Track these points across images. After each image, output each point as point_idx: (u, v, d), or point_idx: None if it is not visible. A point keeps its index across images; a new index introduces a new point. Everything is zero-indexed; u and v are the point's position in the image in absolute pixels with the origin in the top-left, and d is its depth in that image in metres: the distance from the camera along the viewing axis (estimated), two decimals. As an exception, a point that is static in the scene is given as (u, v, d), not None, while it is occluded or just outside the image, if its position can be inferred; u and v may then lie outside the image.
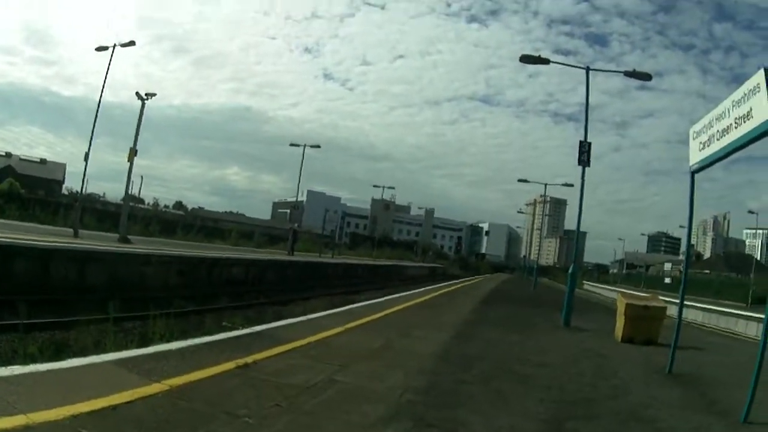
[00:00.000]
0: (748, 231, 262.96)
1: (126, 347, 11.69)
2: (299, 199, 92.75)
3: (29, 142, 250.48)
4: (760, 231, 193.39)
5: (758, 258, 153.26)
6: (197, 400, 7.19)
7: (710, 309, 42.59)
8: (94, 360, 8.60)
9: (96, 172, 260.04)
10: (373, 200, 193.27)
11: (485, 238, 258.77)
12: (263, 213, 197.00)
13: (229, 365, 9.08)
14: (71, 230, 36.16)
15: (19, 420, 5.62)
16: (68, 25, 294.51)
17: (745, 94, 9.86)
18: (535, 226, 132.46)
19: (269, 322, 16.25)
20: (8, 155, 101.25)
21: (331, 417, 7.36)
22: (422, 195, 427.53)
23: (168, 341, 11.99)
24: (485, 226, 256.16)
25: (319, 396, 8.12)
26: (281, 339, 12.03)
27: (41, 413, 5.86)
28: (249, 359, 9.56)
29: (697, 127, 12.83)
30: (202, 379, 8.15)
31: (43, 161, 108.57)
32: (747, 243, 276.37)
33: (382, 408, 7.97)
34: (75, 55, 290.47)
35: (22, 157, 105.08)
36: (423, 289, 40.55)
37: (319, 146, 73.79)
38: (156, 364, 8.61)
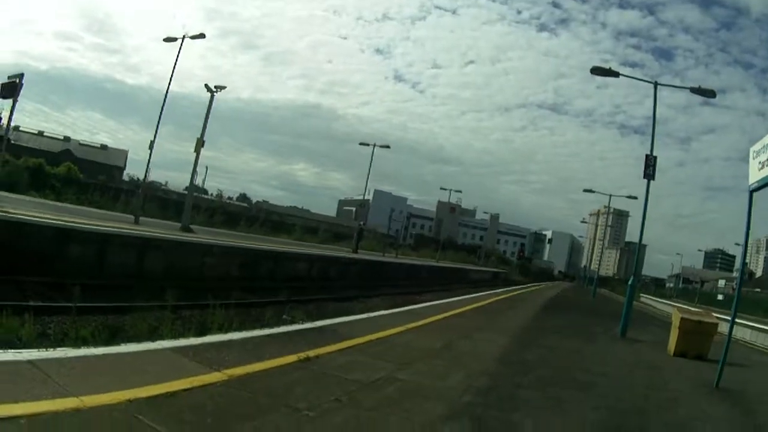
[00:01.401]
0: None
1: (183, 335, 11.67)
2: (366, 198, 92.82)
3: (89, 128, 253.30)
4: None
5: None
6: (258, 391, 7.12)
7: (759, 328, 42.01)
8: (152, 346, 8.59)
9: (159, 160, 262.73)
10: (439, 202, 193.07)
11: (548, 246, 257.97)
12: (329, 210, 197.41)
13: (291, 358, 9.03)
14: (132, 217, 36.36)
15: (70, 402, 5.54)
16: (132, 13, 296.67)
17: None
18: (597, 237, 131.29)
19: (330, 318, 16.21)
20: (67, 139, 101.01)
21: (391, 414, 7.26)
22: (488, 200, 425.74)
23: (227, 332, 11.96)
24: (548, 234, 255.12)
25: (379, 392, 8.04)
26: (343, 335, 12.01)
27: (94, 396, 5.78)
28: (311, 353, 9.52)
29: (757, 146, 12.75)
30: (263, 370, 8.10)
31: (103, 147, 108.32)
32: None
33: (441, 407, 7.87)
34: (139, 45, 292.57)
35: (82, 141, 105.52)
36: (485, 293, 40.46)
37: (388, 146, 73.49)
38: (216, 353, 8.57)
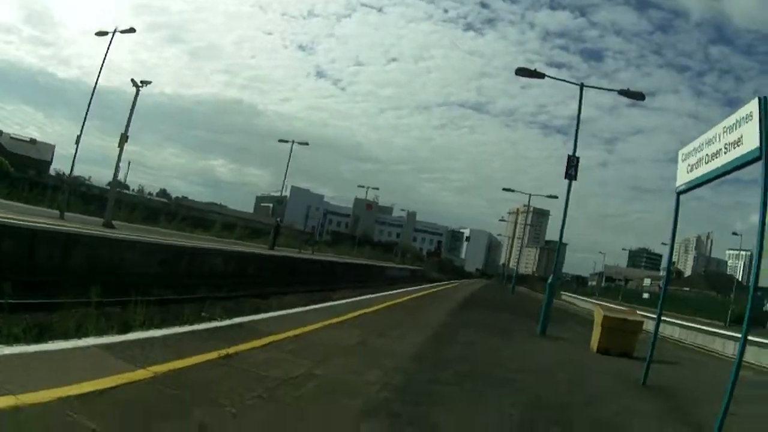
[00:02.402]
0: (731, 252, 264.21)
1: (108, 332, 11.84)
2: (283, 195, 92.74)
3: (21, 122, 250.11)
4: (743, 252, 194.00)
5: (740, 278, 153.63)
6: (182, 387, 7.33)
7: (688, 326, 42.75)
8: (80, 344, 8.68)
9: (83, 155, 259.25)
10: (356, 199, 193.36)
11: (465, 244, 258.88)
12: (247, 206, 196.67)
13: (212, 355, 9.21)
14: (57, 212, 36.13)
15: (8, 401, 5.73)
16: (67, 5, 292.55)
17: (737, 121, 10.08)
18: (517, 235, 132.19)
19: (248, 314, 16.42)
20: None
21: (310, 409, 7.52)
22: (407, 198, 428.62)
23: (148, 328, 12.12)
24: (466, 232, 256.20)
25: (299, 389, 8.26)
26: (262, 332, 12.17)
27: (30, 395, 5.96)
28: (231, 350, 9.69)
29: (686, 149, 13.10)
30: (186, 367, 8.27)
31: (33, 141, 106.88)
32: (729, 264, 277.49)
33: (359, 402, 8.15)
34: (71, 37, 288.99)
35: (13, 135, 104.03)
36: (401, 290, 40.64)
37: (307, 143, 73.56)
38: (140, 350, 8.72)
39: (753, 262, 9.76)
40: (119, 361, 7.96)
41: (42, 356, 7.66)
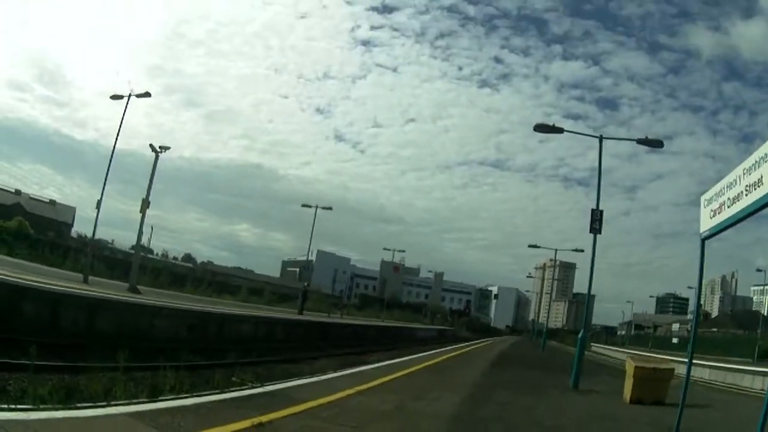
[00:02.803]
0: (756, 288, 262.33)
1: (136, 396, 11.69)
2: (309, 259, 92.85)
3: (39, 182, 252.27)
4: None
5: (765, 313, 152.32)
6: (214, 458, 7.13)
7: (716, 366, 42.31)
8: (109, 411, 8.59)
9: (104, 217, 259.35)
10: (383, 262, 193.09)
11: (494, 301, 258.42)
12: (273, 270, 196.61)
13: (245, 423, 8.97)
14: (81, 275, 36.19)
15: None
16: (80, 66, 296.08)
17: (756, 162, 9.93)
18: (545, 290, 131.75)
19: (279, 379, 16.27)
20: (18, 192, 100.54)
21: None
22: (432, 258, 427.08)
23: (178, 394, 11.96)
24: (494, 290, 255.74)
25: (336, 456, 8.04)
26: (295, 399, 11.98)
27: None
28: (264, 419, 9.44)
29: (708, 195, 12.96)
30: (219, 436, 8.00)
31: (52, 202, 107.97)
32: (754, 300, 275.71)
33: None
34: (86, 98, 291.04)
35: (32, 196, 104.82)
36: (432, 351, 40.50)
37: (330, 208, 74.05)
38: (171, 418, 8.55)
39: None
40: (151, 428, 7.82)
41: (69, 422, 7.54)
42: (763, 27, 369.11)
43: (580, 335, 26.21)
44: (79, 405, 9.46)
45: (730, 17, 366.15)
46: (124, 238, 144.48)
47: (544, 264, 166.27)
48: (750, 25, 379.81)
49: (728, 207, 11.42)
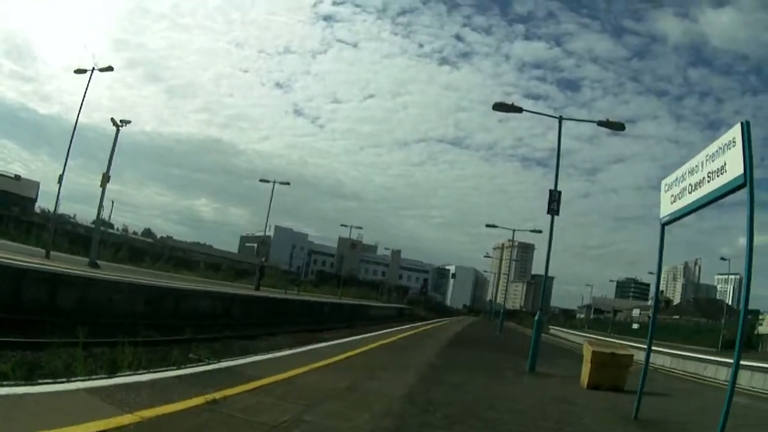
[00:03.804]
0: (720, 277, 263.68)
1: (96, 373, 11.84)
2: (267, 234, 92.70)
3: (4, 157, 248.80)
4: (732, 276, 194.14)
5: (729, 302, 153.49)
6: (170, 433, 7.29)
7: (678, 354, 42.69)
8: (68, 387, 8.70)
9: (67, 192, 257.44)
10: (340, 239, 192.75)
11: (452, 281, 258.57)
12: (231, 246, 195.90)
13: (199, 400, 9.13)
14: (43, 251, 36.15)
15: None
16: (47, 41, 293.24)
17: (720, 148, 10.10)
18: (503, 270, 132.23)
19: (235, 356, 16.45)
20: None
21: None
22: (390, 235, 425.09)
23: (136, 370, 12.12)
24: (452, 269, 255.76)
25: (286, 435, 8.19)
26: (249, 376, 12.10)
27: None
28: (218, 395, 9.60)
29: (668, 180, 13.15)
30: (173, 412, 8.20)
31: (17, 177, 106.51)
32: (718, 288, 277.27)
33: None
34: (53, 73, 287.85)
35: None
36: (389, 330, 40.60)
37: (288, 183, 73.91)
38: (127, 394, 8.68)
39: (742, 286, 9.76)
40: (107, 404, 7.94)
41: (31, 399, 7.67)
42: (734, 16, 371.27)
43: (536, 317, 26.24)
44: (40, 381, 9.61)
45: (700, 5, 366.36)
46: (85, 213, 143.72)
47: (503, 244, 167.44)
48: (720, 14, 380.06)
49: (689, 193, 11.58)
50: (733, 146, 9.62)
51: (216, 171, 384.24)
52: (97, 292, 26.74)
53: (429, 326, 57.61)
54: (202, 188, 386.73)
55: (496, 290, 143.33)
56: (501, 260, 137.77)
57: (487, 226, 75.50)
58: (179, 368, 12.28)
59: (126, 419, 7.41)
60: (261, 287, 58.96)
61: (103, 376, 10.82)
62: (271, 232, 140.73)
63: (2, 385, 8.55)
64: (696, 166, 11.23)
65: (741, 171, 9.27)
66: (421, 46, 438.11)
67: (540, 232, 63.64)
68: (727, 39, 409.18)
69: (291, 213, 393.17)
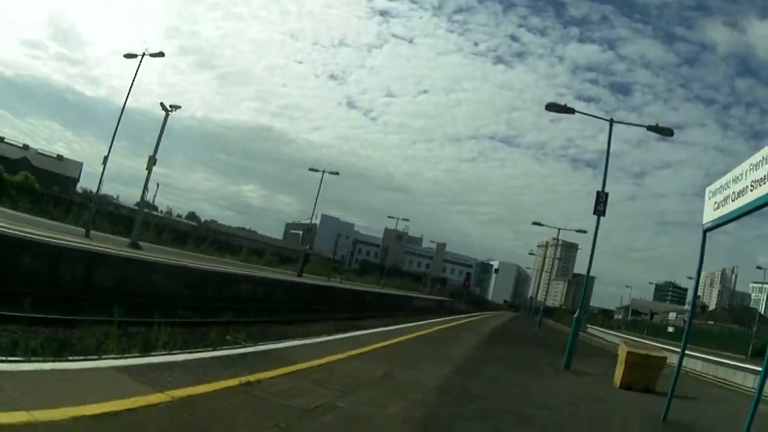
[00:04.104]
0: (755, 285, 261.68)
1: (129, 352, 11.79)
2: (313, 222, 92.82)
3: (48, 137, 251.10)
4: (767, 285, 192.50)
5: (762, 311, 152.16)
6: (199, 414, 7.19)
7: (709, 359, 42.31)
8: (99, 364, 8.61)
9: (111, 174, 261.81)
10: (386, 230, 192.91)
11: (494, 276, 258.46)
12: (276, 232, 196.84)
13: (233, 381, 9.06)
14: (83, 230, 36.23)
15: (21, 416, 5.63)
16: (95, 25, 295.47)
17: (764, 158, 9.95)
18: (545, 268, 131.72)
19: (273, 340, 16.35)
20: (26, 147, 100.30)
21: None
22: (437, 229, 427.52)
23: (171, 350, 12.06)
24: (495, 264, 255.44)
25: (318, 420, 8.09)
26: (285, 360, 12.04)
27: (44, 412, 5.85)
28: (252, 378, 9.54)
29: (713, 187, 13.01)
30: (205, 393, 8.13)
31: (60, 157, 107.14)
32: (753, 297, 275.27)
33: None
34: (101, 57, 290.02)
35: (40, 151, 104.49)
36: (428, 321, 40.42)
37: (337, 173, 73.60)
38: (160, 374, 8.61)
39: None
40: (138, 383, 7.84)
41: (60, 374, 7.58)
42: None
43: (575, 315, 26.24)
44: (69, 358, 9.55)
45: (747, 16, 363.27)
46: (129, 195, 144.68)
47: (547, 242, 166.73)
48: (766, 25, 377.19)
49: (732, 201, 11.47)
50: (777, 157, 9.48)
51: (266, 159, 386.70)
52: (136, 272, 26.79)
53: (468, 320, 57.40)
54: (251, 175, 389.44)
55: (538, 287, 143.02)
56: (544, 258, 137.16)
57: (533, 224, 76.01)
58: (215, 350, 12.22)
59: (156, 398, 7.33)
60: (304, 274, 58.84)
61: (136, 354, 10.81)
62: (317, 221, 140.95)
63: (30, 361, 8.49)
64: (740, 174, 11.10)
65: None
66: (476, 44, 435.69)
67: (585, 232, 63.59)
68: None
69: (339, 203, 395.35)
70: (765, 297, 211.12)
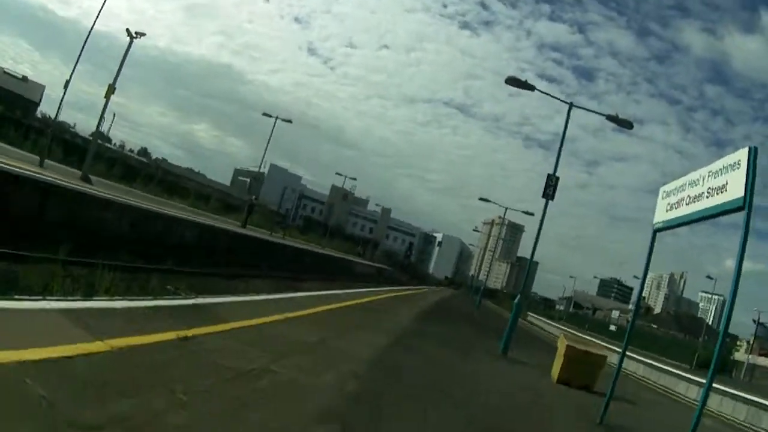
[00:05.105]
0: (704, 294, 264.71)
1: (72, 294, 11.84)
2: (261, 170, 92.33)
3: (15, 56, 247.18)
4: (716, 297, 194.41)
5: (709, 322, 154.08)
6: (137, 366, 7.31)
7: (652, 364, 42.78)
8: (44, 305, 8.65)
9: (70, 100, 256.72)
10: (333, 187, 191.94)
11: (437, 248, 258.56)
12: (224, 177, 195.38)
13: (170, 335, 9.16)
14: (37, 157, 35.84)
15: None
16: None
17: (724, 167, 10.11)
18: (489, 247, 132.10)
19: (213, 295, 16.39)
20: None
21: (262, 407, 7.48)
22: (383, 191, 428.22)
23: (112, 295, 12.11)
24: (439, 237, 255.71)
25: (253, 383, 8.21)
26: (224, 317, 12.14)
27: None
28: (190, 333, 9.63)
29: (668, 187, 13.12)
30: (142, 344, 8.22)
31: (24, 78, 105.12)
32: (700, 306, 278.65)
33: (311, 407, 8.11)
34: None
35: (6, 70, 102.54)
36: (368, 289, 40.71)
37: (290, 121, 73.12)
38: (101, 321, 8.70)
39: (725, 308, 9.80)
40: (79, 330, 7.91)
41: (6, 315, 7.69)
42: (761, 45, 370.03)
43: (516, 300, 26.22)
44: (16, 297, 9.62)
45: (728, 26, 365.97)
46: (86, 124, 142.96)
47: (493, 221, 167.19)
48: (748, 40, 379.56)
49: (686, 204, 11.59)
50: (738, 168, 9.63)
51: (221, 98, 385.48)
52: (87, 209, 26.47)
53: (407, 292, 57.67)
54: (204, 113, 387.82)
55: (480, 266, 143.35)
56: (489, 236, 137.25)
57: (480, 199, 75.84)
58: (155, 299, 12.31)
59: (95, 346, 7.41)
60: (248, 225, 58.72)
61: (79, 298, 10.87)
62: (265, 170, 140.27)
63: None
64: (698, 179, 11.23)
65: (741, 194, 9.30)
66: (444, 6, 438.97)
67: (532, 214, 64.16)
68: (749, 65, 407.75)
69: (289, 153, 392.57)
70: (713, 308, 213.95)
